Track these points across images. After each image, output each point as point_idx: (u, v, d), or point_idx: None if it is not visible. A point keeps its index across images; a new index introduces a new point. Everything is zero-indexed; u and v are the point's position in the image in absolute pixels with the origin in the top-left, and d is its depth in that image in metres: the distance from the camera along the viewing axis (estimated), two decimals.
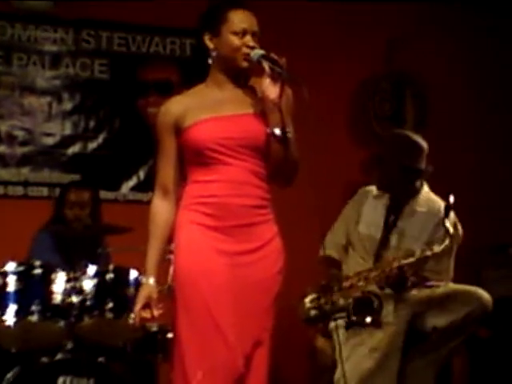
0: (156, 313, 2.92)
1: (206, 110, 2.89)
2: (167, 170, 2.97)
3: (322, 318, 3.90)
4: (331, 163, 5.62)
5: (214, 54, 2.90)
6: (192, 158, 2.91)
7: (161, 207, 2.97)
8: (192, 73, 5.78)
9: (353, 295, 3.83)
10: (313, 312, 3.92)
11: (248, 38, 2.84)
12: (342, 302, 3.84)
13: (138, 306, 2.91)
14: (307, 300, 3.93)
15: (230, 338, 2.75)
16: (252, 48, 2.83)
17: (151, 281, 2.93)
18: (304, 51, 5.58)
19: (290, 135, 2.83)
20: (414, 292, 3.92)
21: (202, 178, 2.89)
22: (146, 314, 2.91)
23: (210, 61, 2.94)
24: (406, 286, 3.87)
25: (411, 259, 3.78)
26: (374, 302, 3.80)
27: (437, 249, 3.74)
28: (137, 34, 5.80)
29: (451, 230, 3.71)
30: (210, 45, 2.91)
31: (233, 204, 2.84)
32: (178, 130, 2.91)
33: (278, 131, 2.82)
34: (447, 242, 3.71)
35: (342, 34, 5.97)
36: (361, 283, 3.84)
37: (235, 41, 2.85)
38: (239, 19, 2.86)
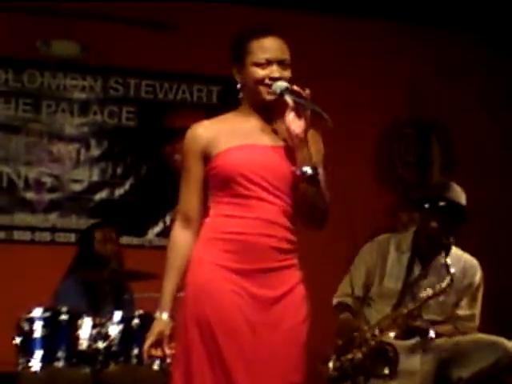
0: (168, 351, 2.65)
1: (238, 138, 2.68)
2: (191, 198, 2.71)
3: (344, 378, 3.86)
4: (357, 208, 5.61)
5: (240, 86, 2.73)
6: (219, 187, 2.68)
7: (182, 237, 2.73)
8: None
9: (368, 348, 3.80)
10: (334, 373, 3.87)
11: (272, 69, 2.65)
12: (359, 356, 3.80)
13: (147, 343, 2.64)
14: (331, 365, 3.88)
15: None
16: (276, 80, 2.65)
17: (165, 316, 2.67)
18: (327, 99, 5.61)
19: (319, 175, 2.63)
20: (441, 340, 3.88)
21: (228, 212, 2.65)
22: (156, 352, 2.66)
23: (240, 94, 2.76)
24: (420, 331, 3.83)
25: (417, 303, 3.77)
26: (389, 352, 3.76)
27: (438, 288, 3.73)
28: (164, 82, 5.87)
29: (452, 269, 3.71)
30: (238, 77, 2.73)
31: (260, 244, 2.62)
32: (207, 157, 2.69)
33: (305, 169, 2.61)
34: (448, 279, 3.71)
35: (364, 81, 6.01)
36: (375, 335, 3.82)
37: (257, 73, 2.66)
38: (262, 49, 2.67)
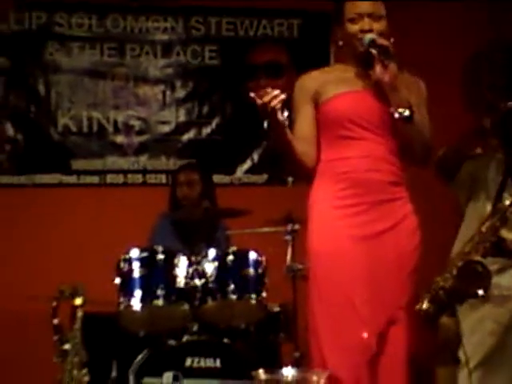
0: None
1: (343, 85, 2.94)
2: (305, 127, 2.95)
3: (440, 310, 3.84)
4: (445, 135, 5.52)
5: (340, 43, 2.99)
6: (329, 132, 2.92)
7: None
8: (300, 53, 5.80)
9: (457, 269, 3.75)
10: (430, 308, 3.85)
11: (364, 22, 2.90)
12: (450, 281, 3.77)
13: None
14: (425, 301, 3.85)
15: (363, 315, 2.77)
16: (366, 32, 2.88)
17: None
18: (412, 27, 5.51)
19: (414, 114, 2.80)
20: None
21: (338, 155, 2.90)
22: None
23: (339, 48, 3.01)
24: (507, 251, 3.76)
25: (497, 215, 3.67)
26: (478, 269, 3.70)
27: None
28: (245, 18, 5.85)
29: None
30: (337, 34, 2.99)
31: (372, 179, 2.86)
32: (316, 103, 2.95)
33: (401, 111, 2.79)
34: None
35: (450, 6, 5.86)
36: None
37: (351, 28, 2.92)
38: (353, 5, 2.92)
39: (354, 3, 2.93)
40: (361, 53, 2.91)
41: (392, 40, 2.86)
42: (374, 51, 2.84)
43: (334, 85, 2.93)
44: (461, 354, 3.73)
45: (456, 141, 3.83)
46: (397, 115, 2.78)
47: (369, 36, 2.87)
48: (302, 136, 2.94)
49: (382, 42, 2.84)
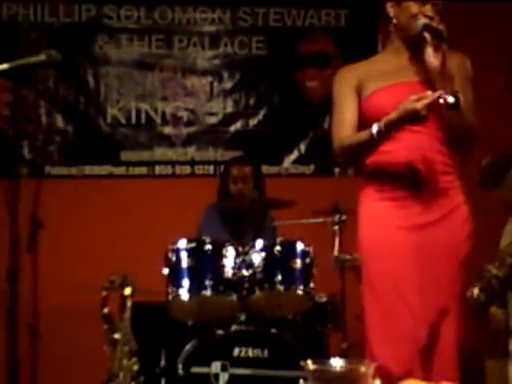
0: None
1: (386, 77, 2.91)
2: (355, 117, 2.93)
3: (492, 299, 3.82)
4: (493, 120, 5.48)
5: (394, 21, 2.94)
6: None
7: None
8: (348, 43, 5.77)
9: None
10: (482, 296, 3.82)
11: (427, 8, 2.86)
12: (503, 269, 3.74)
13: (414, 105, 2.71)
14: (475, 290, 3.83)
15: (414, 306, 2.77)
16: (429, 18, 2.85)
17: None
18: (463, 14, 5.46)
19: (460, 101, 2.74)
20: None
21: (385, 148, 2.87)
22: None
23: (390, 28, 2.98)
24: None
25: None
26: None
27: None
28: (292, 8, 5.84)
29: None
30: (391, 12, 2.94)
31: (423, 170, 2.84)
32: (359, 98, 2.94)
33: (447, 99, 2.73)
34: None
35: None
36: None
37: (414, 8, 2.87)
38: None
39: None
40: (412, 37, 2.88)
41: (444, 26, 2.82)
42: (427, 35, 2.80)
43: (373, 80, 2.91)
44: (511, 347, 3.71)
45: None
46: (443, 102, 2.73)
47: (424, 20, 2.84)
48: (353, 127, 2.93)
49: (437, 25, 2.82)
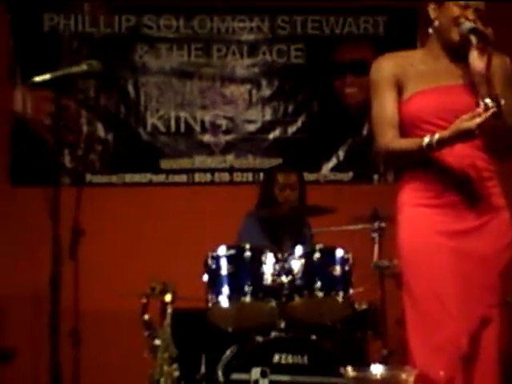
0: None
1: (426, 80, 2.88)
2: (390, 112, 2.89)
3: None
4: None
5: (435, 23, 2.92)
6: (407, 132, 2.88)
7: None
8: (386, 51, 5.75)
9: None
10: None
11: (469, 11, 2.83)
12: None
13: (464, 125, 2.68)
14: None
15: (455, 314, 2.73)
16: (470, 21, 2.81)
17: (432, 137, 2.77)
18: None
19: (501, 106, 2.71)
20: None
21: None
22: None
23: (430, 30, 2.95)
24: None
25: None
26: None
27: None
28: (330, 16, 5.85)
29: None
30: (433, 14, 2.93)
31: (458, 178, 2.81)
32: (399, 94, 2.91)
33: (487, 102, 2.70)
34: None
35: None
36: None
37: (456, 10, 2.84)
38: None
39: None
40: (453, 42, 2.87)
41: (490, 30, 2.78)
42: (473, 38, 2.78)
43: (415, 80, 2.88)
44: None
45: None
46: (484, 106, 2.70)
47: (470, 23, 2.80)
48: (397, 127, 2.90)
49: (484, 29, 2.79)
